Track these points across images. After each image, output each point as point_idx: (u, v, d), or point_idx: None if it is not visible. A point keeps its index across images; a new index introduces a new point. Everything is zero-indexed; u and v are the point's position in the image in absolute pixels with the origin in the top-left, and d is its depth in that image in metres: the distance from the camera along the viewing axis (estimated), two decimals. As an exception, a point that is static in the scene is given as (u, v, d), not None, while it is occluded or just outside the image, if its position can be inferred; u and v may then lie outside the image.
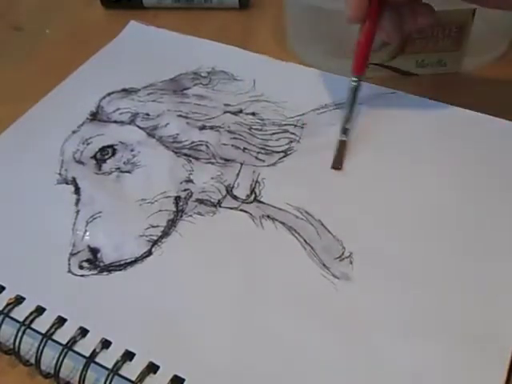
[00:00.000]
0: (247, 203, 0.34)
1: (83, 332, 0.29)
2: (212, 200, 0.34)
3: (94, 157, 0.37)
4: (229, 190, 0.34)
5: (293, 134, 0.37)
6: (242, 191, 0.34)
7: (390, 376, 0.27)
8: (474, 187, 0.34)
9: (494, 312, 0.28)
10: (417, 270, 0.30)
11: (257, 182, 0.35)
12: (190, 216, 0.33)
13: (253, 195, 0.34)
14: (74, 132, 0.39)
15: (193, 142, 0.37)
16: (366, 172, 0.35)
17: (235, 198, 0.34)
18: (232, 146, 0.37)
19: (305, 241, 0.32)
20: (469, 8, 0.38)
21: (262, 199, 0.34)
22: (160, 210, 0.34)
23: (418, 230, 0.32)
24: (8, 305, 0.30)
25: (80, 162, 0.37)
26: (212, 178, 0.35)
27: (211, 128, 0.38)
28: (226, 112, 0.39)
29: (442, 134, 0.37)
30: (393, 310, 0.29)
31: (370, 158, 0.36)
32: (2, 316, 0.30)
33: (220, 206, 0.34)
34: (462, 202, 0.33)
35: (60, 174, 0.36)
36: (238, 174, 0.35)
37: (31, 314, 0.30)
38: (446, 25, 0.39)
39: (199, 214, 0.34)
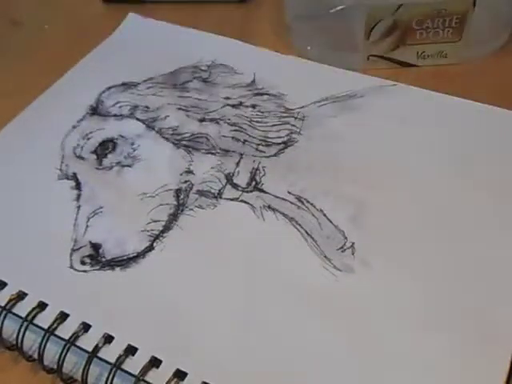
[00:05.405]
0: (248, 192, 0.34)
1: (85, 327, 0.29)
2: (212, 191, 0.34)
3: (95, 151, 0.36)
4: (229, 179, 0.34)
5: (293, 125, 0.37)
6: (242, 179, 0.34)
7: (390, 370, 0.27)
8: (476, 178, 0.33)
9: (495, 312, 0.28)
10: (418, 267, 0.30)
11: (257, 169, 0.35)
12: (191, 210, 0.33)
13: (253, 182, 0.34)
14: (74, 127, 0.39)
15: (193, 135, 0.37)
16: (366, 166, 0.35)
17: (235, 186, 0.34)
18: (232, 138, 0.37)
19: (306, 232, 0.31)
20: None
21: (262, 187, 0.34)
22: (161, 204, 0.33)
23: (421, 226, 0.32)
24: (10, 300, 0.30)
25: (80, 157, 0.36)
26: (212, 168, 0.35)
27: (211, 120, 0.38)
28: (226, 105, 0.39)
29: (443, 125, 0.36)
30: (394, 303, 0.29)
31: (370, 151, 0.35)
32: (4, 312, 0.30)
33: (221, 198, 0.34)
34: (465, 195, 0.33)
35: (61, 169, 0.36)
36: (237, 163, 0.35)
37: (33, 309, 0.30)
38: (447, 15, 0.39)
39: (200, 207, 0.33)
